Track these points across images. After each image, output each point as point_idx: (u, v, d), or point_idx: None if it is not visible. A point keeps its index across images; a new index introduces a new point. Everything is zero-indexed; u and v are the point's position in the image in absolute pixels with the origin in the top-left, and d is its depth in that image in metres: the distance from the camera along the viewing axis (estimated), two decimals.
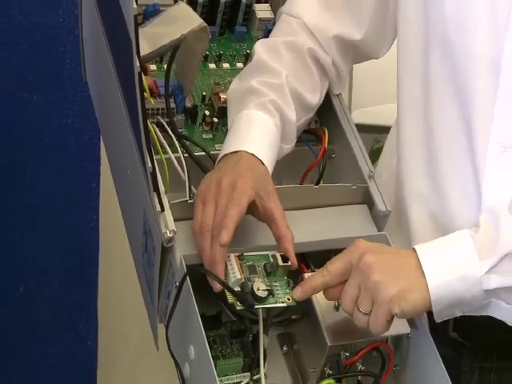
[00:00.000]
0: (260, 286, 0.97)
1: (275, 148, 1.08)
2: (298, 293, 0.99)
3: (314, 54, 1.14)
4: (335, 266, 0.99)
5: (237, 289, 0.97)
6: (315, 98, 1.15)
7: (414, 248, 0.99)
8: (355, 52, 1.18)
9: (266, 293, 0.97)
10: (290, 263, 1.00)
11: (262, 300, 0.97)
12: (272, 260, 1.00)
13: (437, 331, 1.05)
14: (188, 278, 0.96)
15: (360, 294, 0.97)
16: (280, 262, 1.00)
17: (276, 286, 0.99)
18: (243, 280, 0.97)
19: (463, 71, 1.05)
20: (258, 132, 1.07)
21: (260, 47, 1.14)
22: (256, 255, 1.01)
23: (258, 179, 1.02)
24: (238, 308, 0.96)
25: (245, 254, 1.00)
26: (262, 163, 1.04)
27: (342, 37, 1.15)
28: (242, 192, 0.99)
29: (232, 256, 0.99)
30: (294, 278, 1.02)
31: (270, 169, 1.06)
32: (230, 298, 0.96)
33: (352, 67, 1.24)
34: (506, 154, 1.04)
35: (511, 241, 0.98)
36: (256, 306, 0.97)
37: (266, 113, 1.08)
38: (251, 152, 1.04)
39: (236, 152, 1.04)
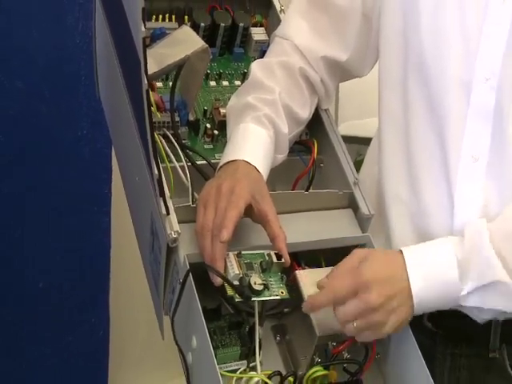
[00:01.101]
0: (256, 281, 0.97)
1: (269, 157, 1.08)
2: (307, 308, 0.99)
3: (304, 73, 1.14)
4: (339, 288, 0.97)
5: (235, 283, 0.96)
6: (305, 113, 1.15)
7: (407, 272, 0.99)
8: (341, 71, 1.18)
9: (262, 287, 0.97)
10: (283, 261, 1.00)
11: (258, 293, 0.97)
12: (267, 258, 1.00)
13: (413, 321, 1.05)
14: (191, 274, 0.96)
15: (358, 321, 0.97)
16: (274, 260, 1.00)
17: (271, 280, 0.99)
18: (241, 275, 0.97)
19: (438, 90, 1.06)
20: (253, 143, 1.07)
21: (256, 67, 1.14)
22: (253, 253, 1.00)
23: (254, 184, 1.02)
24: (236, 300, 0.96)
25: (242, 252, 1.00)
26: (258, 170, 1.04)
27: (329, 57, 1.15)
28: (240, 196, 0.99)
29: (231, 254, 0.98)
30: (287, 273, 1.01)
31: (265, 176, 1.06)
32: (230, 291, 0.96)
33: (338, 85, 1.23)
34: (476, 164, 1.04)
35: (491, 272, 0.99)
36: (253, 299, 0.97)
37: (261, 126, 1.08)
38: (247, 161, 1.04)
39: (234, 161, 1.04)
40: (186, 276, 0.96)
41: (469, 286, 0.99)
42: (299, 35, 1.15)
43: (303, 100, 1.14)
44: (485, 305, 1.01)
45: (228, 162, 1.04)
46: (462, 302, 1.00)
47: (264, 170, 1.05)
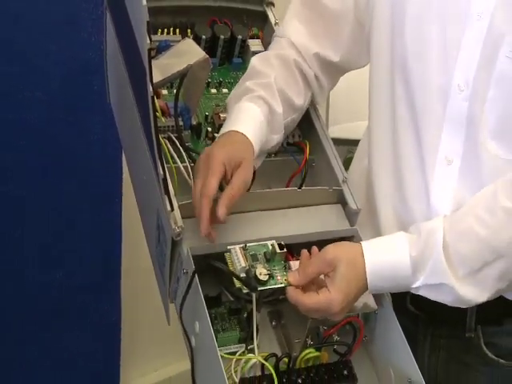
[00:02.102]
0: (262, 272, 0.97)
1: (260, 129, 1.05)
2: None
3: (298, 66, 1.13)
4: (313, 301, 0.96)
5: (242, 275, 0.96)
6: (300, 101, 1.13)
7: (365, 269, 0.98)
8: (335, 69, 1.17)
9: (267, 277, 0.97)
10: (285, 251, 0.99)
11: (264, 283, 0.96)
12: (271, 248, 1.00)
13: (397, 305, 1.05)
14: (196, 274, 0.96)
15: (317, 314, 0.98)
16: (277, 250, 0.99)
17: (275, 269, 0.99)
18: (247, 267, 0.97)
19: (419, 95, 1.05)
20: (243, 116, 1.05)
21: (254, 59, 1.13)
22: (257, 245, 1.00)
23: (232, 151, 0.99)
24: (244, 291, 0.96)
25: (247, 244, 0.99)
26: (246, 137, 1.02)
27: (322, 56, 1.14)
28: (212, 173, 0.96)
29: (237, 248, 0.98)
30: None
31: (255, 141, 1.03)
32: (237, 283, 0.96)
33: (335, 83, 1.21)
34: (449, 166, 1.04)
35: (439, 275, 0.99)
36: (259, 289, 0.96)
37: (254, 103, 1.06)
38: (234, 129, 1.02)
39: (224, 134, 1.03)
40: (193, 275, 0.95)
41: (419, 282, 0.99)
42: (295, 33, 1.14)
43: (298, 89, 1.13)
44: (432, 298, 1.01)
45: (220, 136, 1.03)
46: (413, 291, 1.01)
47: (254, 137, 1.03)
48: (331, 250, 0.98)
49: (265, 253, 0.99)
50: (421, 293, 1.01)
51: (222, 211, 0.95)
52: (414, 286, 1.00)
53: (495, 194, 0.99)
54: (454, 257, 0.98)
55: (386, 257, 0.99)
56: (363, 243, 1.00)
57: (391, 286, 1.00)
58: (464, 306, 1.02)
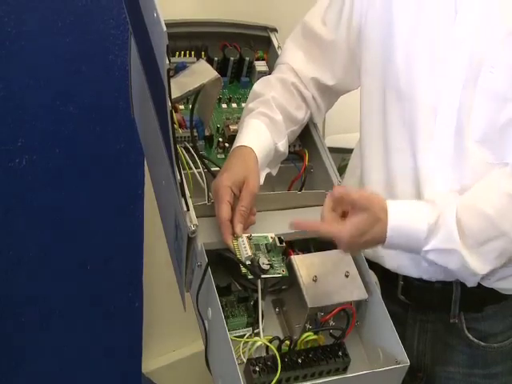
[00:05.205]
0: (264, 261, 0.96)
1: (262, 135, 1.04)
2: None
3: (297, 88, 1.12)
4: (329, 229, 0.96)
5: (248, 263, 0.96)
6: (300, 114, 1.12)
7: (386, 232, 0.97)
8: (330, 93, 1.16)
9: (268, 266, 0.96)
10: (284, 245, 0.99)
11: (265, 271, 0.96)
12: (271, 240, 0.99)
13: (389, 295, 1.05)
14: (209, 266, 0.95)
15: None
16: (277, 244, 0.99)
17: (274, 261, 0.98)
18: (252, 256, 0.96)
19: (410, 112, 1.04)
20: (245, 130, 1.04)
21: (256, 84, 1.12)
22: (260, 236, 0.99)
23: (235, 172, 0.98)
24: (249, 277, 0.96)
25: (252, 234, 0.99)
26: (249, 149, 1.01)
27: (318, 80, 1.13)
28: (221, 200, 0.97)
29: (244, 236, 0.98)
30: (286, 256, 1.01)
31: (259, 150, 1.02)
32: (243, 270, 0.96)
33: (332, 104, 1.20)
34: (441, 170, 1.03)
35: (451, 243, 0.97)
36: (262, 276, 0.96)
37: (255, 119, 1.05)
38: (238, 145, 1.02)
39: (229, 153, 1.03)
40: (207, 267, 0.95)
41: (430, 245, 0.98)
42: (295, 60, 1.13)
43: (297, 103, 1.12)
44: (440, 263, 0.99)
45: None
46: (422, 254, 0.99)
47: (257, 146, 1.02)
48: (366, 202, 0.95)
49: (266, 244, 0.99)
50: (430, 256, 0.98)
51: (238, 229, 0.97)
52: (424, 248, 0.98)
53: (498, 180, 0.99)
54: (464, 228, 0.97)
55: (407, 220, 0.97)
56: (389, 203, 0.97)
57: (406, 245, 0.98)
58: (467, 275, 1.01)
